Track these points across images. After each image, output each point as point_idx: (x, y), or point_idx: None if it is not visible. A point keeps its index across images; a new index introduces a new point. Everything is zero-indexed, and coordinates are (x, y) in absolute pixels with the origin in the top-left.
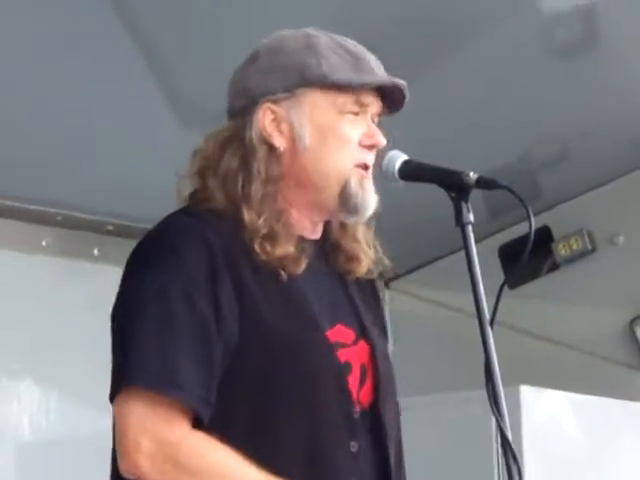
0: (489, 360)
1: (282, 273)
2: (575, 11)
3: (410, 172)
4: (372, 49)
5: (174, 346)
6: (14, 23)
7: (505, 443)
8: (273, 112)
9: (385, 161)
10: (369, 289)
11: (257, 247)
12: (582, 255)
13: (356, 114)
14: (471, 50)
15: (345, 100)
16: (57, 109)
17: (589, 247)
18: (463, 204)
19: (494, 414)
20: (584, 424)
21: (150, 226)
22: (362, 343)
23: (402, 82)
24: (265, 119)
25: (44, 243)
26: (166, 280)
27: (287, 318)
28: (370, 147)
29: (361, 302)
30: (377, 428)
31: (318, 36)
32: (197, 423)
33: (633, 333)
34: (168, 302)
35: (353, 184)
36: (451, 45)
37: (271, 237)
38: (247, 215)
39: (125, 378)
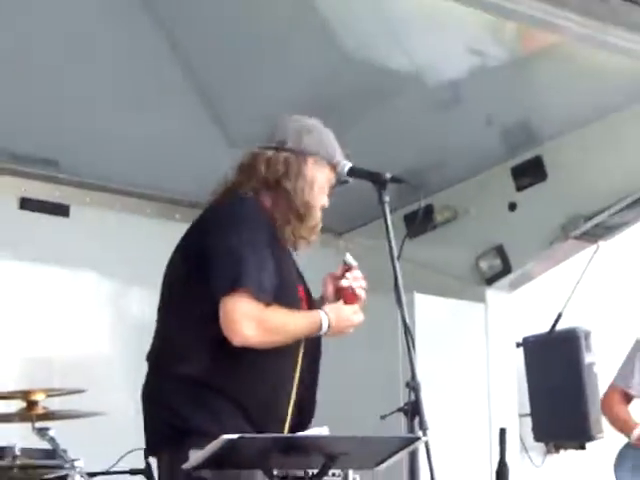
0: (396, 277)
1: (290, 251)
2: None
3: (353, 173)
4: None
5: (262, 270)
6: (106, 75)
7: (404, 326)
8: (307, 165)
9: (339, 168)
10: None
11: (287, 234)
12: (449, 221)
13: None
14: (386, 107)
15: (333, 175)
16: (136, 133)
17: (454, 216)
18: (382, 191)
19: (399, 308)
20: (429, 319)
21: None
22: (301, 288)
23: None
24: (311, 167)
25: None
26: (252, 233)
27: (287, 277)
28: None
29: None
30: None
31: (325, 129)
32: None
33: (478, 265)
34: (255, 244)
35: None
36: (376, 102)
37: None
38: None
39: (237, 282)
